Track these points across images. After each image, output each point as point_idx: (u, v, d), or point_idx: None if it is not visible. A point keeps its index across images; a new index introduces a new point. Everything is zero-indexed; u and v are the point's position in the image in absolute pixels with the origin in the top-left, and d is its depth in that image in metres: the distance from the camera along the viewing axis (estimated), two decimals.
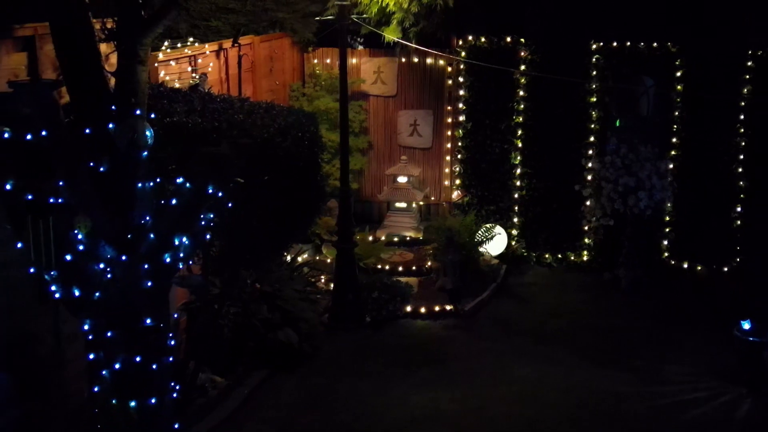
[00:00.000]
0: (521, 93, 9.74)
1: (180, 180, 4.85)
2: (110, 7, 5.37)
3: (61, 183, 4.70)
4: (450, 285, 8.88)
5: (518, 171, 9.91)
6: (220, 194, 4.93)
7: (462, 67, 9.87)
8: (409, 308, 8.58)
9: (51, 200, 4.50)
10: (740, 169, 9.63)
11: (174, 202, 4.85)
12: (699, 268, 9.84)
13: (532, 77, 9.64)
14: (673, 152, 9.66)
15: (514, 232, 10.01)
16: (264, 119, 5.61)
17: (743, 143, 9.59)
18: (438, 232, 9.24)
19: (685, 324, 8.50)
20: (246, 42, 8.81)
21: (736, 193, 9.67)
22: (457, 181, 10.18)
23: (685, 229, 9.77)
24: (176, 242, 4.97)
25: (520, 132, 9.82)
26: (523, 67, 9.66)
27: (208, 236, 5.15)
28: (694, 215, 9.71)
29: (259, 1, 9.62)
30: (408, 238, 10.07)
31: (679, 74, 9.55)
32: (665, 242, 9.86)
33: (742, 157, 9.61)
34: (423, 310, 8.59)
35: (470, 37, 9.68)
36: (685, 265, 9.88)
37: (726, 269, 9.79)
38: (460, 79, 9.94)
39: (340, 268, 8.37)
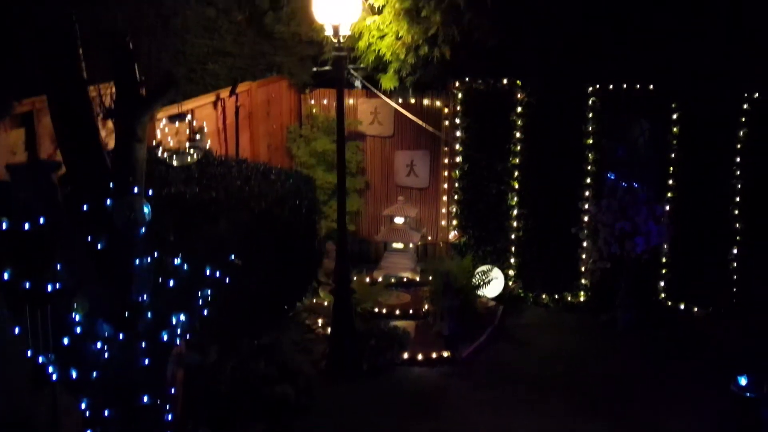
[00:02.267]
0: (518, 134, 9.76)
1: (178, 261, 4.85)
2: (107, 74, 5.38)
3: (59, 266, 4.71)
4: (447, 331, 8.88)
5: (515, 212, 9.93)
6: (218, 274, 4.94)
7: (458, 108, 9.89)
8: (406, 355, 8.57)
9: (49, 288, 4.50)
10: (736, 212, 9.65)
11: (172, 283, 4.86)
12: (695, 309, 9.85)
13: (529, 119, 9.67)
14: (669, 194, 9.68)
15: (511, 272, 10.02)
16: (261, 186, 5.62)
17: (739, 185, 9.61)
18: (435, 276, 9.24)
19: (682, 371, 8.48)
20: (243, 89, 8.83)
21: (732, 235, 9.68)
22: (454, 222, 10.19)
23: (682, 270, 9.79)
24: (174, 320, 4.99)
25: (516, 173, 9.84)
26: (519, 109, 9.69)
27: (205, 312, 5.16)
28: (691, 257, 9.73)
29: (256, 45, 9.66)
30: (405, 279, 10.07)
31: (675, 116, 9.57)
32: (661, 283, 9.87)
33: (738, 199, 9.63)
34: (420, 357, 8.58)
35: (467, 79, 9.70)
36: (682, 307, 9.89)
37: (723, 311, 9.80)
38: (457, 121, 9.96)
39: (337, 316, 8.35)
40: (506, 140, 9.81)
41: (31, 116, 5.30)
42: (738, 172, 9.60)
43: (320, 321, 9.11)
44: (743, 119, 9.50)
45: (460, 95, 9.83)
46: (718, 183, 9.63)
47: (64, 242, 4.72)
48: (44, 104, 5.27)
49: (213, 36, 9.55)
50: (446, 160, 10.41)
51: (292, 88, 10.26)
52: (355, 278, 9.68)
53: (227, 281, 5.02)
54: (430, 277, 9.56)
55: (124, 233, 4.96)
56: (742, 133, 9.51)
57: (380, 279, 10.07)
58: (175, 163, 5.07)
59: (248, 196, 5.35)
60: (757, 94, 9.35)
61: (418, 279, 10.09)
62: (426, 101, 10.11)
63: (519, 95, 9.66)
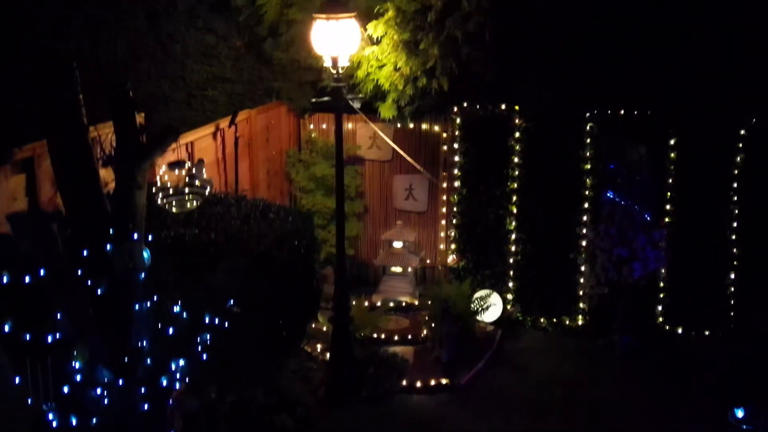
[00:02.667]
0: (516, 159, 9.80)
1: (177, 308, 4.89)
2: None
3: (59, 315, 4.75)
4: (445, 357, 8.90)
5: (513, 236, 9.96)
6: (216, 321, 4.97)
7: (457, 133, 9.93)
8: (405, 382, 8.60)
9: (50, 339, 4.53)
10: (734, 237, 9.69)
11: (171, 331, 4.89)
12: (693, 333, 9.88)
13: (527, 144, 9.71)
14: (667, 219, 9.72)
15: (510, 296, 10.05)
16: (260, 226, 5.65)
17: (737, 211, 9.65)
18: (433, 302, 9.28)
19: (680, 397, 8.52)
20: (243, 117, 8.88)
21: (729, 260, 9.72)
22: (453, 246, 10.23)
23: (680, 294, 9.83)
24: (173, 366, 5.02)
25: (514, 198, 9.88)
26: (517, 135, 9.72)
27: (204, 356, 5.20)
28: (688, 281, 9.77)
29: (255, 71, 9.72)
30: (404, 304, 10.11)
31: (672, 142, 9.61)
32: (659, 308, 9.91)
33: (735, 224, 9.67)
34: (419, 384, 8.61)
35: (465, 105, 9.74)
36: (680, 331, 9.92)
37: (720, 335, 9.83)
38: (456, 146, 10.00)
39: (336, 344, 8.38)
40: (504, 165, 9.84)
41: (31, 161, 5.34)
42: (735, 198, 9.63)
43: (319, 347, 9.14)
44: (740, 145, 9.54)
45: (458, 120, 9.87)
46: (715, 208, 9.67)
47: (65, 291, 4.75)
48: (45, 149, 5.32)
49: (212, 62, 9.65)
50: (445, 185, 10.44)
51: (291, 113, 10.30)
52: (354, 302, 9.69)
53: (226, 326, 5.06)
54: (429, 302, 9.59)
55: (124, 279, 5.00)
56: (739, 158, 9.55)
57: (379, 303, 10.10)
58: (174, 210, 5.12)
59: (247, 238, 5.39)
60: (754, 120, 9.39)
61: (416, 303, 10.13)
62: (424, 126, 10.15)
63: (517, 121, 9.70)
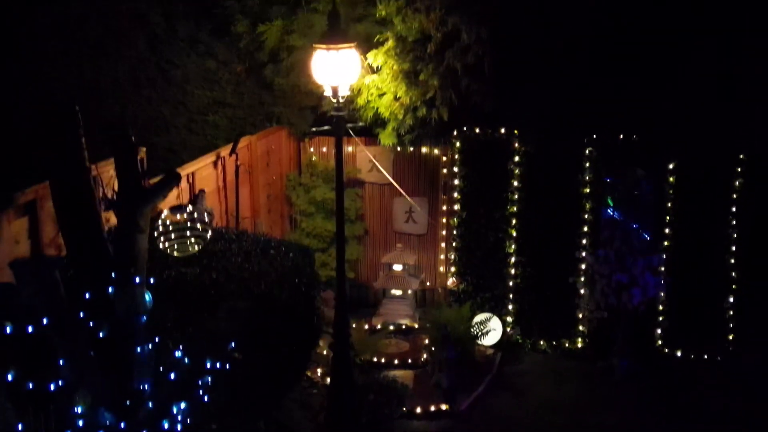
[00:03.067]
0: (515, 183, 9.84)
1: (179, 353, 4.92)
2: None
3: (61, 362, 4.77)
4: (446, 383, 8.93)
5: (513, 259, 10.00)
6: (218, 365, 5.00)
7: (457, 156, 9.97)
8: (404, 408, 8.63)
9: (52, 387, 4.56)
10: (732, 260, 9.73)
11: (173, 375, 4.92)
12: (692, 356, 9.92)
13: (526, 168, 9.75)
14: (666, 242, 9.76)
15: (509, 319, 10.09)
16: (261, 264, 5.69)
17: (735, 234, 9.70)
18: (433, 327, 9.32)
19: (679, 420, 8.56)
20: (243, 144, 8.93)
21: (728, 283, 9.76)
22: (453, 269, 10.26)
23: (678, 317, 9.87)
24: (174, 409, 5.04)
25: (514, 221, 9.92)
26: (517, 158, 9.76)
27: (206, 398, 5.23)
28: (687, 304, 9.81)
29: (255, 96, 9.76)
30: (404, 327, 10.14)
31: (671, 166, 9.65)
32: (658, 330, 9.95)
33: (734, 248, 9.71)
34: (419, 410, 8.63)
35: (465, 129, 9.78)
36: (679, 354, 9.96)
37: (719, 358, 9.87)
38: (455, 169, 10.04)
39: (337, 370, 8.37)
40: (504, 188, 9.89)
41: (34, 204, 5.37)
42: (734, 222, 9.68)
43: (320, 371, 9.17)
44: (739, 169, 9.58)
45: (458, 144, 9.91)
46: (714, 232, 9.72)
47: (67, 336, 4.78)
48: (47, 190, 5.35)
49: (213, 87, 9.69)
50: (444, 207, 10.49)
51: (292, 137, 10.34)
52: (354, 325, 9.74)
53: (228, 368, 5.09)
54: (429, 325, 9.63)
55: (126, 322, 5.03)
56: (737, 183, 9.60)
57: (379, 326, 10.15)
58: (176, 254, 5.15)
59: (248, 277, 5.43)
60: (753, 142, 9.43)
61: (416, 326, 10.17)
62: (424, 149, 10.18)
63: (516, 144, 9.74)
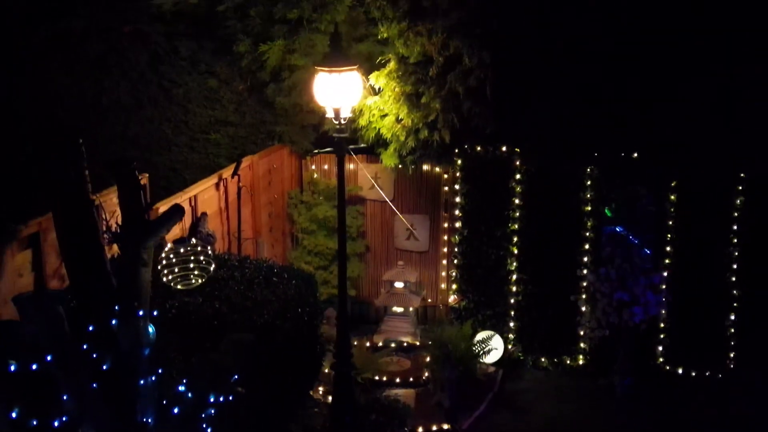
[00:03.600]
0: (517, 201, 9.85)
1: (182, 388, 4.93)
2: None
3: (65, 397, 4.79)
4: (447, 403, 8.93)
5: (514, 277, 10.01)
6: (221, 399, 5.01)
7: (458, 174, 9.99)
8: (406, 428, 8.63)
9: (56, 423, 4.58)
10: (733, 278, 9.74)
11: (176, 410, 4.93)
12: (693, 374, 9.92)
13: (528, 185, 9.76)
14: (667, 260, 9.77)
15: (511, 336, 10.10)
16: (264, 293, 5.69)
17: (736, 253, 9.71)
18: (435, 346, 9.32)
19: None
20: (245, 164, 8.94)
21: (729, 300, 9.77)
22: (454, 286, 10.28)
23: (680, 335, 9.87)
24: None
25: (515, 239, 9.93)
26: (518, 176, 9.78)
27: (209, 430, 5.24)
28: (688, 322, 9.81)
29: (257, 114, 9.78)
30: (405, 344, 10.15)
31: (673, 184, 9.66)
32: (660, 348, 9.95)
33: (735, 266, 9.72)
34: (421, 430, 8.63)
35: (466, 146, 9.79)
36: (680, 371, 9.96)
37: (720, 376, 9.88)
38: (457, 187, 10.06)
39: (338, 390, 8.38)
40: (505, 206, 9.89)
41: (37, 236, 5.39)
42: (735, 240, 9.68)
43: (321, 389, 9.18)
44: (740, 188, 9.59)
45: (459, 162, 9.92)
46: (715, 250, 9.72)
47: (70, 371, 4.80)
48: (50, 222, 5.37)
49: (215, 106, 9.71)
50: (446, 225, 10.50)
51: (294, 154, 10.36)
52: (355, 342, 9.75)
53: (231, 401, 5.11)
54: (430, 342, 9.64)
55: (129, 354, 5.04)
56: (738, 201, 9.61)
57: (380, 343, 10.15)
58: (179, 287, 5.16)
59: (251, 306, 5.43)
60: (755, 162, 9.44)
61: (418, 343, 10.17)
62: (426, 167, 10.19)
63: (518, 163, 9.75)
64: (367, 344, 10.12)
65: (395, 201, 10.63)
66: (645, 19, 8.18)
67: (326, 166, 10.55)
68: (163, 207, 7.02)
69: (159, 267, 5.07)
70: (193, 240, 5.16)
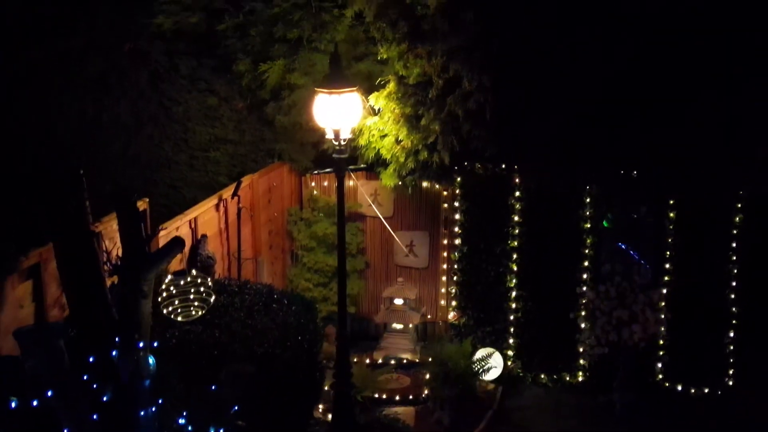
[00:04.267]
0: (516, 218, 9.86)
1: (182, 421, 4.95)
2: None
3: (66, 430, 4.80)
4: (447, 420, 8.97)
5: (513, 294, 10.02)
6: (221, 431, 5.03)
7: (458, 191, 10.01)
8: None
9: None
10: (733, 296, 9.75)
11: None
12: (693, 390, 9.93)
13: (527, 203, 9.78)
14: (666, 277, 9.79)
15: (510, 352, 10.11)
16: (264, 320, 5.71)
17: (735, 270, 9.72)
18: (434, 364, 9.34)
19: None
20: (245, 183, 8.96)
21: (728, 318, 9.78)
22: (453, 303, 10.29)
23: (679, 352, 9.86)
24: None
25: (515, 256, 9.94)
26: (517, 193, 9.79)
27: None
28: (688, 339, 9.80)
29: (257, 132, 9.80)
30: (405, 361, 10.17)
31: (672, 202, 9.68)
32: (659, 365, 9.96)
33: (734, 283, 9.73)
34: None
35: (465, 164, 9.80)
36: (679, 388, 9.96)
37: (720, 392, 9.89)
38: (456, 204, 10.07)
39: (338, 409, 8.42)
40: (505, 223, 9.90)
41: (37, 267, 5.40)
42: (734, 258, 9.70)
43: (321, 407, 9.19)
44: (739, 205, 9.61)
45: (459, 179, 9.93)
46: (714, 267, 9.72)
47: (71, 404, 4.82)
48: (50, 252, 5.38)
49: (215, 124, 9.73)
50: (445, 241, 10.53)
51: (293, 171, 10.38)
52: (355, 359, 9.79)
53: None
54: (430, 359, 9.66)
55: (130, 386, 5.06)
56: (738, 218, 9.62)
57: (380, 360, 10.18)
58: (180, 318, 5.20)
59: (251, 335, 5.46)
60: (755, 182, 9.45)
61: (417, 360, 10.19)
62: (425, 184, 10.20)
63: (517, 180, 9.77)
64: (367, 361, 10.14)
65: (394, 218, 10.66)
66: (644, 40, 8.19)
67: (326, 183, 10.57)
68: (163, 231, 7.03)
69: (159, 299, 5.10)
70: (194, 271, 5.19)
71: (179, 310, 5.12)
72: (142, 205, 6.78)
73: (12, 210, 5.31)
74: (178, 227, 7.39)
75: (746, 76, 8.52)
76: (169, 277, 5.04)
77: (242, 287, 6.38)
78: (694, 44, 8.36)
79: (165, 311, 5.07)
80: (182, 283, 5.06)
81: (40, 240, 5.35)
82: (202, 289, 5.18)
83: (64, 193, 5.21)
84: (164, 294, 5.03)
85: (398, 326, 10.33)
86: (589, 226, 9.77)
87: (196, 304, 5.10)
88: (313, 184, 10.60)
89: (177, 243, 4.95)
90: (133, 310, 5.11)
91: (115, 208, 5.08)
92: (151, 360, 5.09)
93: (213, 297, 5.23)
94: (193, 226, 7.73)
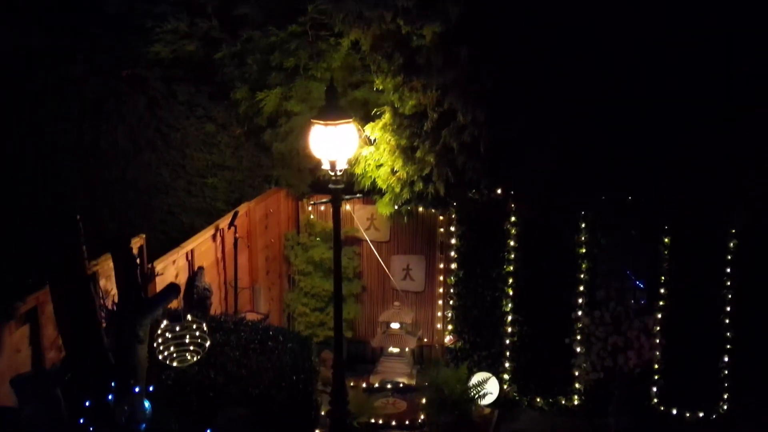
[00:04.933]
0: (512, 243, 9.91)
1: None
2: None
3: None
4: None
5: (509, 318, 10.07)
6: None
7: (454, 216, 10.06)
8: None
9: None
10: (727, 320, 9.81)
11: None
12: (688, 414, 9.98)
13: (523, 228, 9.84)
14: (661, 302, 9.84)
15: (506, 376, 10.16)
16: (260, 359, 5.76)
17: (729, 295, 9.77)
18: (430, 390, 9.40)
19: None
20: (242, 211, 9.02)
21: (723, 342, 9.83)
22: (450, 327, 10.35)
23: (674, 376, 9.91)
24: None
25: (511, 280, 9.99)
26: (513, 219, 9.85)
27: None
28: (683, 363, 9.85)
29: (254, 158, 9.86)
30: (401, 385, 10.22)
31: (666, 227, 9.73)
32: (654, 388, 10.01)
33: (729, 308, 9.78)
34: None
35: (460, 193, 9.83)
36: (674, 412, 10.01)
37: (714, 417, 9.94)
38: (452, 228, 10.13)
39: None
40: (500, 248, 9.95)
41: (35, 311, 5.45)
42: (728, 282, 9.75)
43: (318, 431, 9.25)
44: (734, 231, 9.66)
45: (455, 203, 9.99)
46: (709, 292, 9.77)
47: None
48: (47, 295, 5.43)
49: (212, 150, 9.80)
50: (441, 265, 10.59)
51: (290, 196, 10.43)
52: (351, 383, 9.85)
53: None
54: (426, 384, 9.71)
55: (126, 430, 5.11)
56: (732, 244, 9.68)
57: (377, 384, 10.23)
58: (175, 364, 5.25)
59: (247, 375, 5.51)
60: (748, 213, 9.49)
61: (414, 383, 10.24)
62: (421, 208, 10.25)
63: (512, 205, 9.82)
64: (364, 385, 10.19)
65: (391, 242, 10.72)
66: (639, 75, 8.25)
67: (323, 208, 10.60)
68: (160, 265, 7.09)
69: (155, 344, 5.15)
70: (189, 316, 5.24)
71: (175, 355, 5.17)
72: (138, 241, 6.84)
73: (8, 255, 5.37)
74: (174, 260, 7.44)
75: (740, 116, 8.58)
76: (165, 322, 5.10)
77: (238, 324, 6.43)
78: (687, 83, 8.43)
79: (161, 356, 5.12)
80: (178, 328, 5.11)
81: (37, 285, 5.40)
82: (197, 333, 5.23)
83: (60, 238, 5.26)
84: (160, 339, 5.08)
85: (395, 350, 10.38)
86: (584, 251, 9.83)
87: (191, 348, 5.16)
88: (309, 208, 10.65)
89: (172, 290, 5.01)
90: (129, 355, 5.16)
91: (112, 255, 5.13)
92: (146, 404, 5.14)
93: (208, 342, 5.28)
94: (189, 258, 7.78)
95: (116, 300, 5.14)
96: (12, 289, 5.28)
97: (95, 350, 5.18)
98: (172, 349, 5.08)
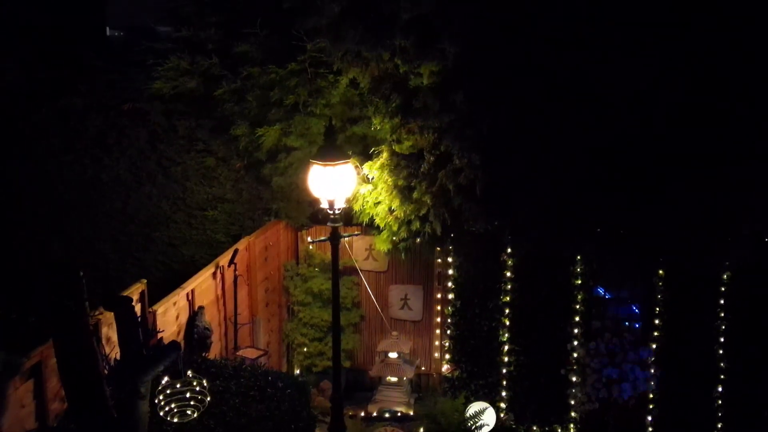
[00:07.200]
0: (508, 274, 10.04)
1: None
2: None
3: None
4: None
5: (506, 348, 10.19)
6: None
7: (451, 247, 10.17)
8: None
9: None
10: (721, 351, 9.92)
11: None
12: None
13: (519, 259, 9.95)
14: (655, 333, 9.95)
15: (503, 405, 10.28)
16: (259, 407, 5.87)
17: (723, 326, 9.89)
18: (428, 420, 9.50)
19: None
20: (242, 246, 9.13)
21: (716, 373, 9.95)
22: (447, 356, 10.46)
23: (668, 406, 10.04)
24: None
25: (507, 311, 10.11)
26: (509, 249, 9.97)
27: None
28: (677, 394, 9.99)
29: (254, 190, 9.97)
30: (399, 414, 10.33)
31: (661, 260, 9.84)
32: (648, 418, 10.12)
33: (722, 339, 9.90)
34: None
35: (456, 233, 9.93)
36: None
37: None
38: (449, 259, 10.25)
39: None
40: (497, 279, 10.07)
41: (39, 365, 5.56)
42: (722, 314, 9.87)
43: None
44: (727, 263, 9.77)
45: (452, 235, 10.10)
46: (702, 323, 9.90)
47: None
48: (51, 349, 5.54)
49: (212, 183, 9.91)
50: (439, 295, 10.70)
51: (290, 227, 10.54)
52: (350, 413, 9.97)
53: None
54: (424, 414, 9.82)
55: None
56: (725, 276, 9.80)
57: (375, 413, 10.33)
58: (176, 420, 5.37)
59: (246, 425, 5.62)
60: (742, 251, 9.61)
61: (412, 413, 10.34)
62: (418, 239, 10.35)
63: (509, 237, 9.93)
64: (362, 414, 10.30)
65: (389, 272, 10.84)
66: (633, 118, 8.36)
67: (322, 237, 10.70)
68: (161, 307, 7.21)
69: (156, 401, 5.27)
70: (190, 372, 5.35)
71: (175, 411, 5.28)
72: (139, 287, 6.96)
73: (12, 310, 5.48)
74: (175, 302, 7.56)
75: (732, 160, 8.70)
76: (165, 379, 5.21)
77: (238, 369, 6.54)
78: (680, 126, 8.55)
79: (162, 413, 5.23)
80: (179, 385, 5.23)
81: (41, 340, 5.51)
82: (197, 389, 5.34)
83: (63, 293, 5.36)
84: (161, 396, 5.20)
85: (393, 379, 10.49)
86: (579, 282, 9.95)
87: (192, 404, 5.27)
88: (309, 239, 10.76)
89: (173, 348, 5.12)
90: (131, 410, 5.28)
91: (113, 313, 5.24)
92: None
93: (208, 398, 5.40)
94: (190, 298, 7.90)
95: (119, 351, 5.24)
96: (16, 341, 5.39)
97: (98, 404, 5.28)
98: (173, 405, 5.20)
